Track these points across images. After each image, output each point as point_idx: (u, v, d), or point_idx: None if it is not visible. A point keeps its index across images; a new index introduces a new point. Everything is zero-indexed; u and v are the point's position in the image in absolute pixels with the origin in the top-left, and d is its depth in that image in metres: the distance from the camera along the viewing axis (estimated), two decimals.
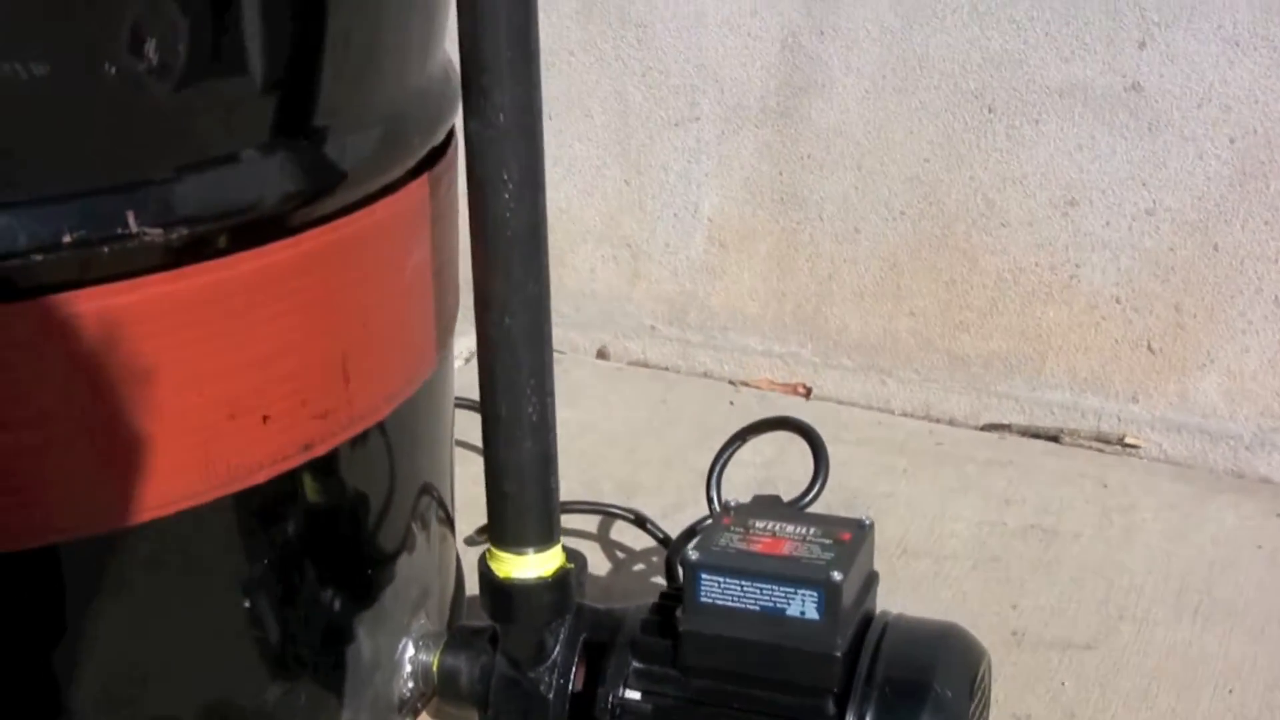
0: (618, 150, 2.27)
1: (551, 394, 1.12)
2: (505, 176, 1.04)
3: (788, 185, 2.19)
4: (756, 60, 2.15)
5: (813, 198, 2.18)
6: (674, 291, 2.32)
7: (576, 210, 2.33)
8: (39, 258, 0.91)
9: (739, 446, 1.39)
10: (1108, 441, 2.08)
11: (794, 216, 2.20)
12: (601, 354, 2.37)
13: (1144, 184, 1.98)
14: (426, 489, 1.33)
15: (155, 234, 0.96)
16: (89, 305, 0.94)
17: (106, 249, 0.94)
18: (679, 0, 2.16)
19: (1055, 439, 2.10)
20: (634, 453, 2.05)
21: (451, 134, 1.27)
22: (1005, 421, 2.15)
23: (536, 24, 1.03)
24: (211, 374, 1.01)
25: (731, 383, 2.30)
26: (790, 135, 2.16)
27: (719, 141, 2.21)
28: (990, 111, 2.04)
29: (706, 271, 2.29)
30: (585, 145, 2.29)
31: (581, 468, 1.96)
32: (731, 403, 2.22)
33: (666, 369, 2.35)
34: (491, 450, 1.14)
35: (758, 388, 2.27)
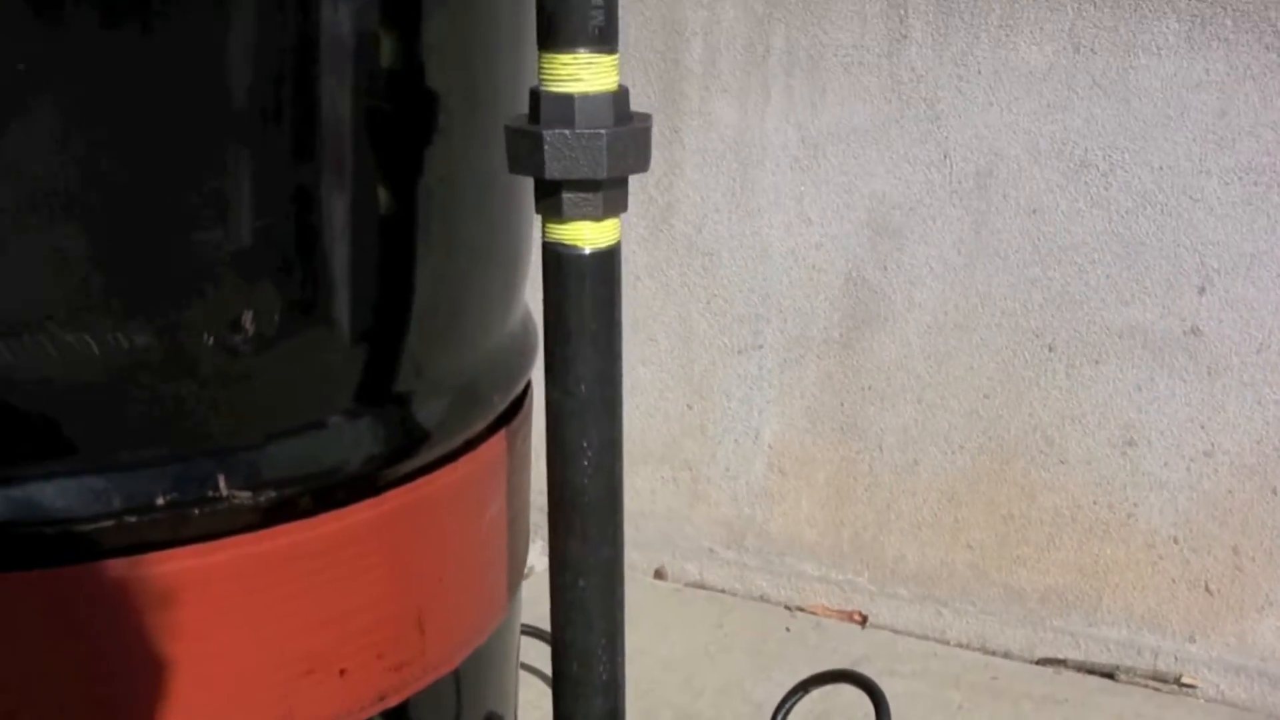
0: (681, 375, 2.31)
1: (622, 653, 1.13)
2: (585, 444, 1.06)
3: (848, 415, 2.21)
4: (820, 292, 2.19)
5: (873, 428, 2.20)
6: (733, 515, 2.34)
7: (639, 432, 2.36)
8: (132, 519, 0.94)
9: (801, 697, 1.39)
10: (1164, 680, 2.07)
11: (854, 446, 2.22)
12: (659, 574, 2.38)
13: (1203, 426, 1.99)
14: (490, 718, 1.34)
15: (244, 497, 0.98)
16: (178, 564, 0.96)
17: (197, 511, 0.97)
18: (746, 231, 2.20)
19: (1111, 676, 2.09)
20: (691, 680, 2.05)
21: (528, 386, 1.30)
22: (1061, 656, 2.14)
23: (620, 295, 1.06)
24: (292, 631, 1.03)
25: (788, 608, 2.30)
26: (852, 366, 2.19)
27: (781, 370, 2.24)
28: (1050, 350, 2.06)
29: (766, 497, 2.30)
30: (649, 369, 2.33)
31: (638, 694, 1.97)
32: (788, 629, 2.22)
33: (723, 591, 2.36)
34: (562, 705, 1.15)
35: (814, 614, 2.27)
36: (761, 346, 2.25)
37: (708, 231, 2.24)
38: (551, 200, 1.03)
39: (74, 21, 0.89)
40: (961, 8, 2.02)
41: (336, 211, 1.01)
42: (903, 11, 2.05)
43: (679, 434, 2.34)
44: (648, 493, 2.38)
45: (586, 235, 1.03)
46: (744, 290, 2.24)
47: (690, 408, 2.33)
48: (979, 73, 2.03)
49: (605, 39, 1.02)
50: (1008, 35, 2.01)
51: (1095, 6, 1.96)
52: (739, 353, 2.27)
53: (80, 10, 0.88)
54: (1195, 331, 1.98)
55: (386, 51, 1.04)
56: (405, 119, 1.06)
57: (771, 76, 2.15)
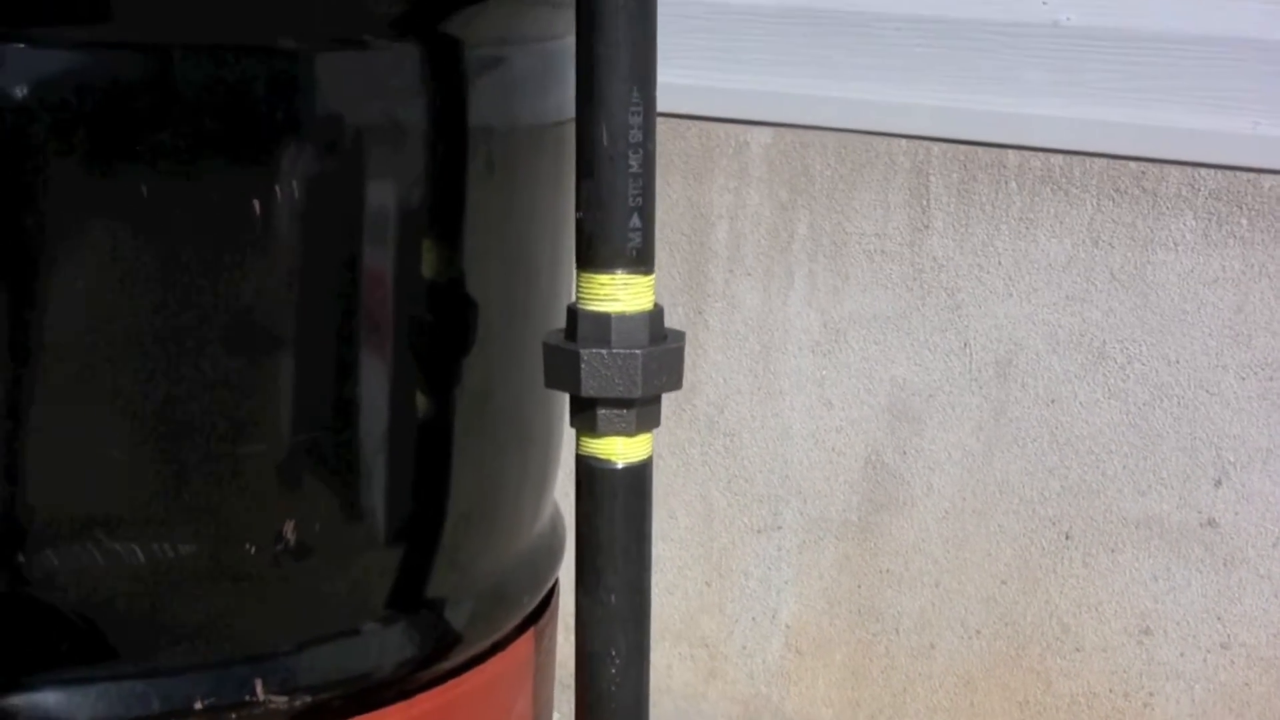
0: (700, 552, 2.33)
1: None
2: (613, 652, 1.08)
3: (866, 598, 2.22)
4: (840, 475, 2.21)
5: (890, 611, 2.21)
6: (749, 694, 2.34)
7: (657, 608, 2.36)
8: None
9: None
10: None
11: (871, 628, 2.23)
12: None
13: (1219, 618, 2.00)
14: None
15: (280, 701, 1.01)
16: None
17: (234, 715, 0.99)
18: (767, 413, 2.23)
19: None
20: None
21: (555, 584, 1.32)
22: None
23: (651, 507, 1.08)
24: None
25: None
26: (870, 549, 2.21)
27: (800, 551, 2.26)
28: (1067, 538, 2.08)
29: (782, 676, 2.31)
30: (668, 545, 2.35)
31: None
32: None
33: None
34: None
35: None
36: (781, 527, 2.27)
37: (729, 412, 2.27)
38: (586, 415, 1.06)
39: (130, 245, 0.92)
40: (982, 200, 2.07)
41: (377, 423, 1.04)
42: (924, 202, 2.10)
43: (697, 611, 2.35)
44: (664, 669, 2.39)
45: (620, 450, 1.06)
46: (764, 471, 2.27)
47: (709, 585, 2.34)
48: (999, 263, 2.08)
49: (642, 260, 1.05)
50: (1028, 228, 2.05)
51: (1114, 202, 2.00)
52: (758, 532, 2.29)
53: (136, 235, 0.92)
54: (1212, 523, 2.00)
55: (428, 266, 1.08)
56: (446, 332, 1.09)
57: (795, 262, 2.19)
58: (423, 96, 1.05)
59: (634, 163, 1.05)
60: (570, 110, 1.06)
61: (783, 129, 2.17)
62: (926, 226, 2.10)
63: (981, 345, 2.09)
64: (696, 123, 2.21)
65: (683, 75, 2.16)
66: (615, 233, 1.05)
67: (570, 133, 1.06)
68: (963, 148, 2.08)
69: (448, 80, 1.07)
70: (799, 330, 2.19)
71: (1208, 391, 1.98)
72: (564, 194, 1.17)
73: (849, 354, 2.17)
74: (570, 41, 1.07)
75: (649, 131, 1.05)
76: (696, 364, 2.25)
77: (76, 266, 0.93)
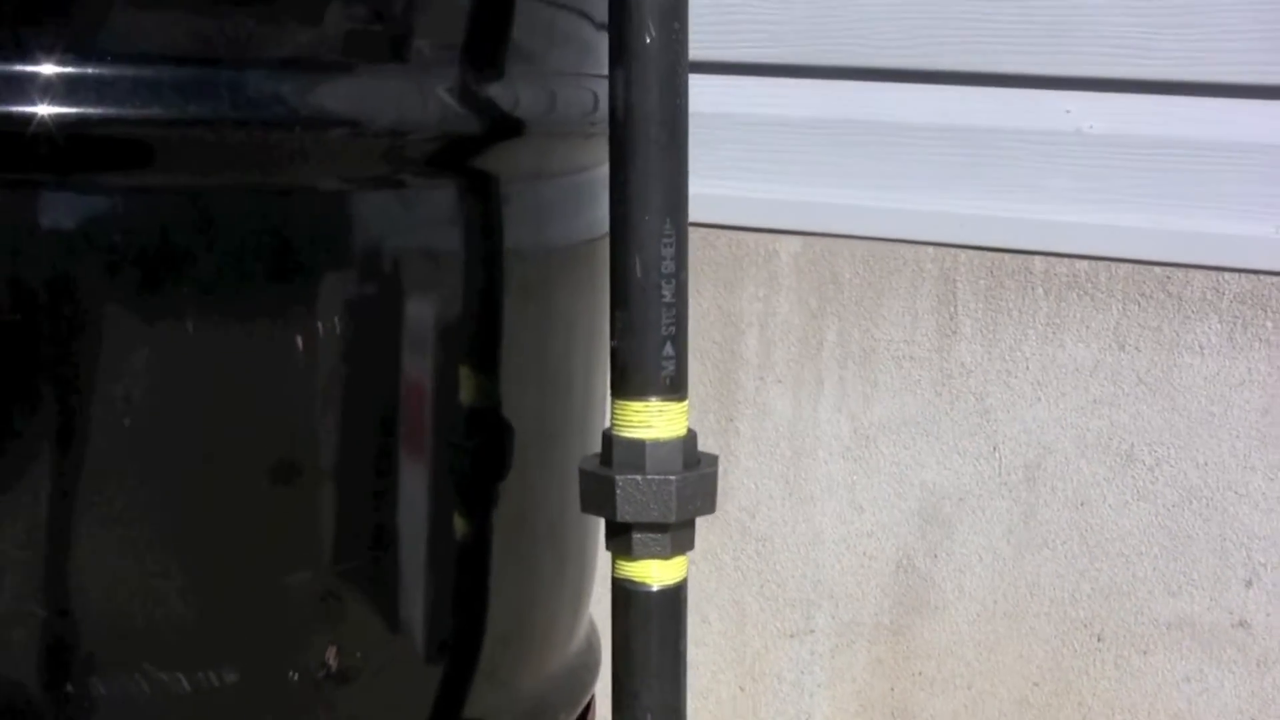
0: (733, 656, 2.33)
1: None
2: None
3: (899, 701, 2.23)
4: (872, 579, 2.22)
5: (923, 714, 2.21)
6: None
7: (691, 714, 2.37)
8: None
9: None
10: None
11: None
12: None
13: (1252, 719, 2.01)
14: None
15: None
16: None
17: None
18: (799, 518, 2.25)
19: None
20: None
21: (591, 700, 1.34)
22: None
23: (685, 628, 1.10)
24: None
25: None
26: (902, 652, 2.22)
27: (832, 654, 2.27)
28: (1099, 640, 2.09)
29: None
30: (702, 649, 2.36)
31: None
32: None
33: None
34: None
35: None
36: (813, 631, 2.28)
37: (761, 517, 2.29)
38: (621, 539, 1.08)
39: (175, 378, 0.95)
40: (1009, 306, 2.09)
41: (417, 548, 1.07)
42: (952, 309, 2.12)
43: (730, 716, 2.36)
44: None
45: (655, 573, 1.08)
46: (796, 575, 2.28)
47: (742, 690, 2.35)
48: (1027, 368, 2.10)
49: (675, 387, 1.08)
50: (1054, 333, 2.07)
51: (1139, 306, 2.02)
52: (791, 636, 2.30)
53: (181, 369, 0.95)
54: (1244, 624, 2.01)
55: (466, 391, 1.10)
56: (483, 456, 1.12)
57: (825, 368, 2.21)
58: (459, 231, 1.08)
59: (667, 292, 1.07)
60: (603, 227, 1.09)
61: (812, 237, 2.20)
62: (954, 332, 2.12)
63: (1010, 449, 2.11)
64: (726, 232, 2.25)
65: (713, 185, 2.20)
66: (649, 361, 1.07)
67: (603, 249, 1.09)
68: (989, 254, 2.10)
69: (483, 214, 1.10)
70: (829, 436, 2.21)
71: (1236, 493, 1.99)
72: (598, 311, 1.20)
73: (879, 459, 2.19)
74: (603, 171, 1.10)
75: (681, 262, 1.08)
76: (728, 470, 2.27)
77: (123, 400, 0.95)
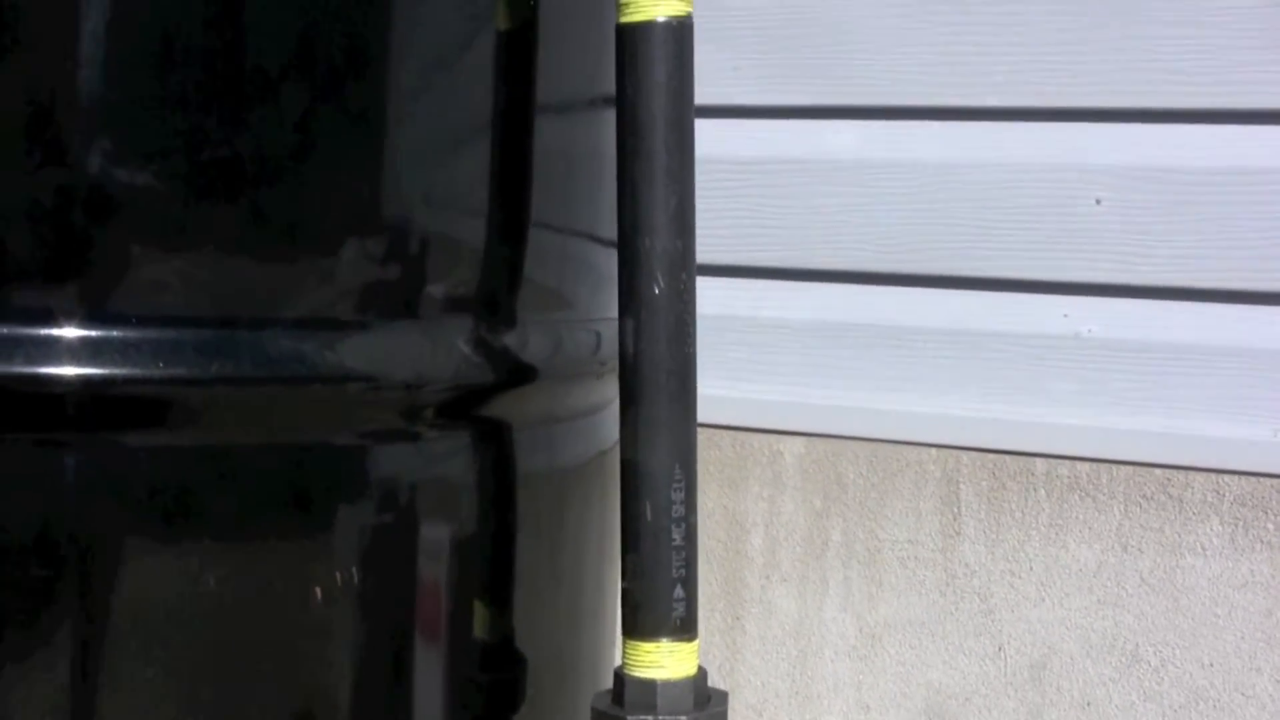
0: None
1: None
2: None
3: None
4: None
5: None
6: None
7: None
8: None
9: None
10: None
11: None
12: None
13: None
14: None
15: None
16: None
17: None
18: (805, 717, 2.25)
19: None
20: None
21: None
22: None
23: None
24: None
25: None
26: None
27: None
28: None
29: None
30: None
31: None
32: None
33: None
34: None
35: None
36: None
37: (768, 716, 2.28)
38: None
39: (195, 626, 0.97)
40: (1012, 507, 2.11)
41: None
42: (956, 509, 2.14)
43: None
44: None
45: None
46: None
47: None
48: (1031, 569, 2.11)
49: (686, 628, 1.10)
50: (1057, 534, 2.09)
51: (1141, 508, 2.04)
52: None
53: (200, 617, 0.97)
54: None
55: (480, 628, 1.12)
56: (497, 692, 1.13)
57: (830, 568, 2.23)
58: (472, 477, 1.10)
59: (677, 536, 1.09)
60: (612, 436, 1.11)
61: (815, 438, 2.22)
62: (958, 533, 2.14)
63: (1016, 649, 2.11)
64: (731, 432, 2.27)
65: (717, 386, 2.23)
66: (660, 603, 1.09)
67: (613, 459, 1.11)
68: (991, 456, 2.13)
69: (495, 460, 1.13)
70: (835, 635, 2.22)
71: (1243, 694, 1.99)
72: (608, 523, 1.21)
73: (885, 658, 2.19)
74: (613, 410, 1.12)
75: (691, 505, 1.10)
76: (734, 669, 2.27)
77: (144, 646, 0.97)
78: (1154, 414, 2.05)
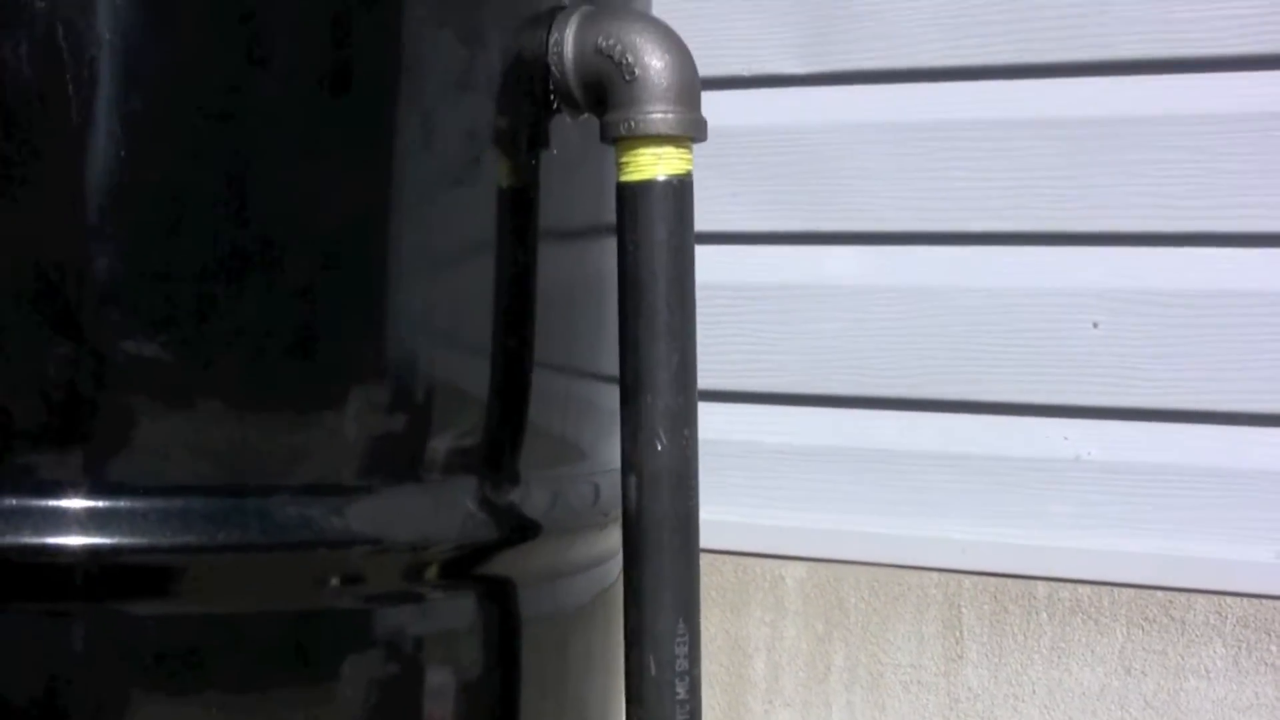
0: None
1: None
2: None
3: None
4: None
5: None
6: None
7: None
8: None
9: None
10: None
11: None
12: None
13: None
14: None
15: None
16: None
17: None
18: None
19: None
20: None
21: None
22: None
23: None
24: None
25: None
26: None
27: None
28: None
29: None
30: None
31: None
32: None
33: None
34: None
35: None
36: None
37: None
38: None
39: None
40: (1014, 630, 2.11)
41: None
42: (958, 633, 2.14)
43: None
44: None
45: None
46: None
47: None
48: (1034, 692, 2.10)
49: None
50: (1060, 657, 2.09)
51: (1143, 631, 2.04)
52: None
53: None
54: None
55: None
56: None
57: (833, 693, 2.22)
58: (476, 632, 1.11)
59: (681, 689, 1.10)
60: (616, 570, 1.12)
61: (817, 563, 2.23)
62: (960, 657, 2.13)
63: None
64: (732, 557, 2.27)
65: (718, 511, 2.23)
66: None
67: (616, 593, 1.11)
68: (993, 579, 2.13)
69: (499, 614, 1.13)
70: None
71: None
72: (612, 651, 1.21)
73: None
74: (617, 561, 1.13)
75: (694, 659, 1.11)
76: None
77: None
78: (1155, 536, 2.05)
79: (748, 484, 2.27)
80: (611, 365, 1.17)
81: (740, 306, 2.24)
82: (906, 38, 2.11)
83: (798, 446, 2.25)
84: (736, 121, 2.16)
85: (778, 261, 2.23)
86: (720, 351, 2.25)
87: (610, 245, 1.17)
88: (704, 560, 2.21)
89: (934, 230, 2.13)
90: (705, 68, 2.03)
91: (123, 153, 0.98)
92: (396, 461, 1.08)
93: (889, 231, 2.16)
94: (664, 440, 1.10)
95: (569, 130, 1.18)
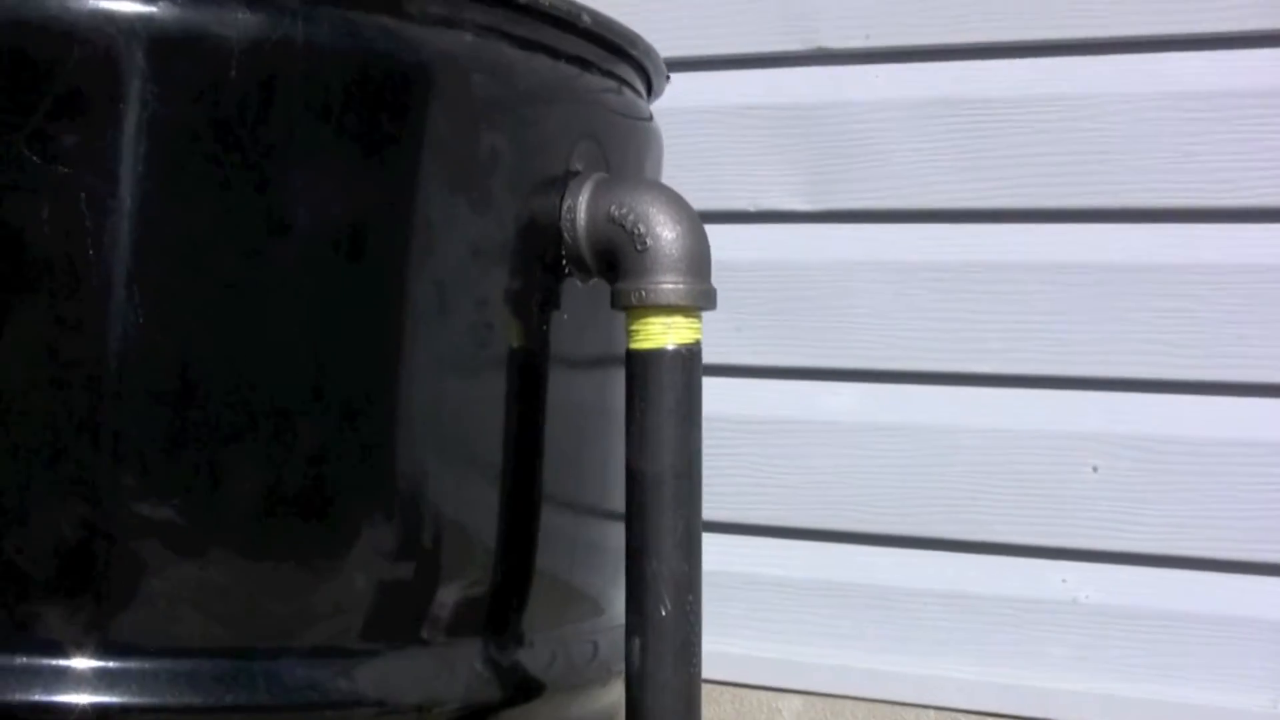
0: None
1: None
2: None
3: None
4: None
5: None
6: None
7: None
8: None
9: None
10: None
11: None
12: None
13: None
14: None
15: None
16: None
17: None
18: None
19: None
20: None
21: None
22: None
23: None
24: None
25: None
26: None
27: None
28: None
29: None
30: None
31: None
32: None
33: None
34: None
35: None
36: None
37: None
38: None
39: None
40: None
41: None
42: None
43: None
44: None
45: None
46: None
47: None
48: None
49: None
50: None
51: None
52: None
53: None
54: None
55: None
56: None
57: None
58: None
59: None
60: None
61: (814, 697, 2.23)
62: None
63: None
64: (730, 689, 2.27)
65: (717, 642, 2.23)
66: None
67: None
68: None
69: None
70: None
71: None
72: None
73: None
74: (620, 716, 1.14)
75: None
76: None
77: None
78: (1151, 681, 2.05)
79: (746, 616, 2.28)
80: (616, 502, 1.18)
81: (741, 439, 2.25)
82: (910, 179, 2.14)
83: (797, 580, 2.25)
84: (741, 256, 2.19)
85: (779, 396, 2.25)
86: (720, 483, 2.26)
87: (617, 402, 1.19)
88: (702, 691, 2.22)
89: (934, 370, 2.15)
90: (711, 202, 2.10)
91: (140, 319, 0.99)
92: (403, 624, 1.09)
93: (889, 370, 2.18)
94: (668, 606, 1.12)
95: (579, 293, 1.20)
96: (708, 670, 2.18)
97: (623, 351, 1.17)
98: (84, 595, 1.00)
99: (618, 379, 1.19)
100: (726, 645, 2.27)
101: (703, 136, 2.22)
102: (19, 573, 0.99)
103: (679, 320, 1.14)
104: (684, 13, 2.23)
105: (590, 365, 1.28)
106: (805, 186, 2.20)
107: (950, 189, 2.12)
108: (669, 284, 1.13)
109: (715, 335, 2.13)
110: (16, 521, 1.00)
